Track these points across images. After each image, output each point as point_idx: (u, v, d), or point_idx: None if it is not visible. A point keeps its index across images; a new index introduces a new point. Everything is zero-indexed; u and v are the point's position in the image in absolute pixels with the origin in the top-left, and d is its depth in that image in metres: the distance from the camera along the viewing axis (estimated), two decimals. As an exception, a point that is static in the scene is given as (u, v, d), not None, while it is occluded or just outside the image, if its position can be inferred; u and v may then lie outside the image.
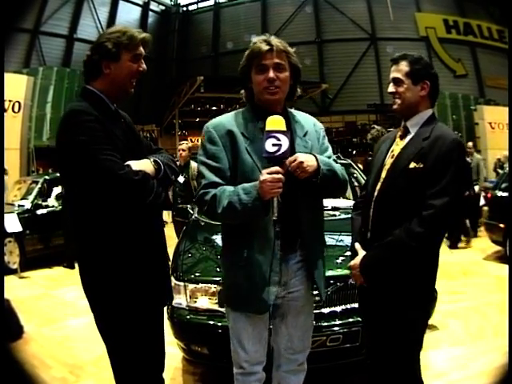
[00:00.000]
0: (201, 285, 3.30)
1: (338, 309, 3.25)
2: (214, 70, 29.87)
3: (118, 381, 2.28)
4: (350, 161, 6.11)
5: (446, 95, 23.49)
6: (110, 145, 2.08)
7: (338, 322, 3.20)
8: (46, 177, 9.21)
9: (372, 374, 2.57)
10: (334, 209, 4.52)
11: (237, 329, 2.36)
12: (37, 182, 9.14)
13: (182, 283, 3.37)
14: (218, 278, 3.16)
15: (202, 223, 4.15)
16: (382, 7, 27.03)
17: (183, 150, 6.58)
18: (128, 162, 2.12)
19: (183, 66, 31.49)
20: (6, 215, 7.58)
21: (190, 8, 33.13)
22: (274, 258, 2.23)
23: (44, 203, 8.68)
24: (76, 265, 5.94)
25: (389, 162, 2.45)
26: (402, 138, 2.47)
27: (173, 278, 3.42)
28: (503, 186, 8.19)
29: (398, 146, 2.45)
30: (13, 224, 7.56)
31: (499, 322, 4.62)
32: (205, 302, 3.27)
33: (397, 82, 2.40)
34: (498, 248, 8.00)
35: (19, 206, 8.51)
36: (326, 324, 3.19)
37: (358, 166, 6.42)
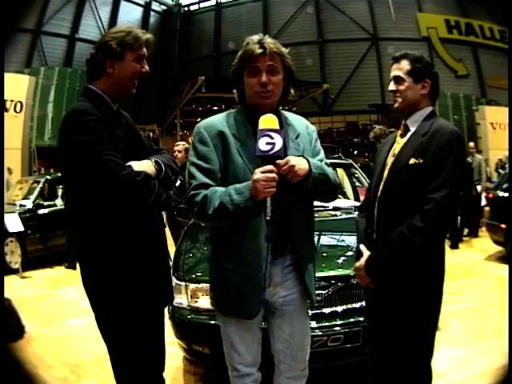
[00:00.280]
0: (202, 284, 3.29)
1: (339, 309, 3.25)
2: (215, 70, 29.86)
3: (119, 381, 2.29)
4: (351, 161, 6.10)
5: (448, 95, 23.46)
6: (112, 145, 2.09)
7: (339, 322, 3.20)
8: (48, 177, 9.22)
9: (377, 375, 2.56)
10: (335, 209, 4.52)
11: (228, 332, 2.33)
12: (38, 182, 9.15)
13: (183, 283, 3.37)
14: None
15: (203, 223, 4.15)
16: (383, 7, 27.02)
17: (179, 152, 6.39)
18: (129, 163, 2.12)
19: (185, 66, 31.48)
20: (7, 215, 7.60)
21: (192, 8, 33.11)
22: (264, 261, 2.18)
23: (48, 203, 8.70)
24: (77, 265, 5.97)
25: (390, 160, 2.45)
26: (403, 136, 2.47)
27: (174, 278, 3.42)
28: (504, 186, 8.18)
29: (399, 144, 2.46)
30: (14, 224, 7.57)
31: (500, 322, 4.61)
32: (206, 302, 3.26)
33: (398, 80, 2.40)
34: (500, 248, 7.99)
35: (21, 205, 8.51)
36: (327, 324, 3.19)
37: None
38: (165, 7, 32.15)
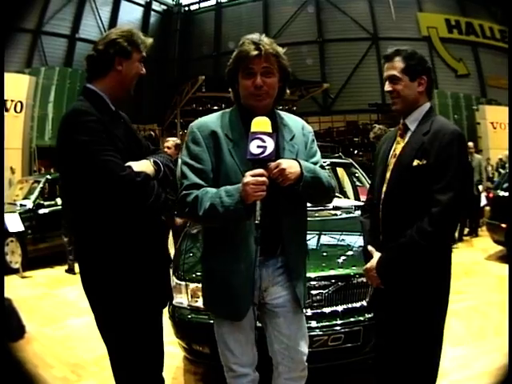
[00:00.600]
0: (202, 284, 3.29)
1: (340, 308, 3.24)
2: (215, 70, 29.83)
3: (118, 381, 2.29)
4: (351, 160, 6.10)
5: (448, 95, 23.47)
6: (111, 145, 2.08)
7: (339, 322, 3.20)
8: (48, 176, 9.23)
9: (378, 374, 2.56)
10: (336, 208, 4.52)
11: (222, 333, 2.32)
12: (39, 182, 9.17)
13: (183, 282, 3.37)
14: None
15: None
16: (383, 7, 27.03)
17: (169, 148, 6.18)
18: (129, 163, 2.11)
19: (185, 65, 31.49)
20: (8, 215, 7.60)
21: (192, 8, 33.14)
22: (253, 264, 2.16)
23: (48, 202, 8.70)
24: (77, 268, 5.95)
25: (392, 161, 2.43)
26: (402, 136, 2.44)
27: (174, 278, 3.43)
28: (505, 185, 8.18)
29: (400, 144, 2.43)
30: (15, 224, 7.58)
31: (500, 321, 4.60)
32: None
33: (393, 79, 2.35)
34: (500, 248, 8.00)
35: (21, 205, 8.52)
36: (327, 324, 3.18)
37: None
38: (165, 7, 32.16)
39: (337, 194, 5.43)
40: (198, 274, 3.39)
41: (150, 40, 2.29)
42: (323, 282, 3.23)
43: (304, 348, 2.38)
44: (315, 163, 2.31)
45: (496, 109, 21.10)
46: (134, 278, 2.16)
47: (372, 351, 2.84)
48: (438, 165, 2.22)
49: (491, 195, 8.71)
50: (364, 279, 2.95)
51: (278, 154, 2.15)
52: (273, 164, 2.05)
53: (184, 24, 32.25)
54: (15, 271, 7.76)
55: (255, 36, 2.18)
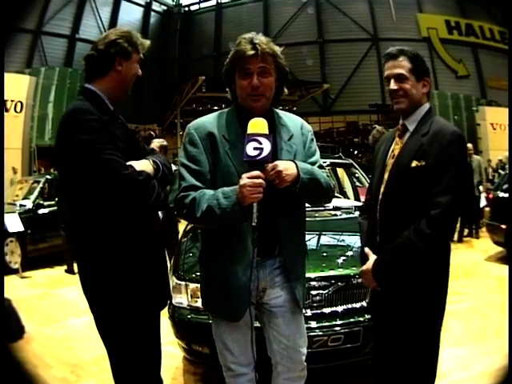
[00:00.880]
0: (202, 284, 3.29)
1: (340, 309, 3.24)
2: (215, 70, 29.82)
3: (118, 381, 2.28)
4: (351, 161, 6.10)
5: (448, 96, 23.49)
6: (113, 145, 2.09)
7: (339, 322, 3.19)
8: (48, 176, 9.22)
9: (377, 375, 2.55)
10: (336, 208, 4.52)
11: (220, 333, 2.33)
12: (38, 182, 9.16)
13: (183, 282, 3.37)
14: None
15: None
16: (383, 8, 27.08)
17: None
18: (130, 162, 2.12)
19: (185, 65, 31.53)
20: (7, 215, 7.59)
21: (192, 8, 33.18)
22: (250, 265, 2.14)
23: (48, 202, 8.67)
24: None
25: (390, 162, 2.40)
26: (401, 136, 2.41)
27: (174, 278, 3.43)
28: (505, 186, 8.18)
29: (398, 145, 2.40)
30: (14, 224, 7.57)
31: (500, 322, 4.60)
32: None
33: (401, 78, 2.30)
34: (500, 249, 8.00)
35: (21, 205, 8.51)
36: (327, 324, 3.18)
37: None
38: (165, 7, 32.20)
39: (337, 195, 5.43)
40: (198, 274, 3.37)
41: (147, 42, 2.29)
42: (323, 283, 3.23)
43: (303, 348, 2.38)
44: (314, 163, 2.31)
45: (496, 110, 21.14)
46: (132, 278, 2.15)
47: (372, 352, 2.84)
48: (438, 166, 2.20)
49: (491, 196, 8.71)
50: (364, 280, 2.94)
51: (275, 154, 2.14)
52: (269, 166, 2.04)
53: (184, 24, 32.29)
54: (15, 271, 7.75)
55: (252, 35, 2.16)
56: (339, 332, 3.17)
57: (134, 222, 2.16)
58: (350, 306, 3.25)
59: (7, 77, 10.48)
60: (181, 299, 3.36)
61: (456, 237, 9.80)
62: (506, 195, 7.90)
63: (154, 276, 2.26)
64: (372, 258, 2.39)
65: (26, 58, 23.55)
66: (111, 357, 2.27)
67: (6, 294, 4.35)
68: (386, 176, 2.40)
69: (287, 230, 2.25)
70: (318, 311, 3.21)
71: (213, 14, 31.99)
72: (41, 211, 8.54)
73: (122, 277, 2.14)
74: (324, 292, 3.22)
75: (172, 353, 3.95)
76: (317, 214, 4.27)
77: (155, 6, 31.18)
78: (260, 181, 1.97)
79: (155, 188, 2.14)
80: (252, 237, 2.10)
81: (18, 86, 14.86)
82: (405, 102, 2.33)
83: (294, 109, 21.58)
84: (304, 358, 2.38)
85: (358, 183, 5.89)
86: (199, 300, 3.25)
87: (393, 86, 2.32)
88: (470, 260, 8.03)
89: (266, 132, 2.03)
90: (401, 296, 2.32)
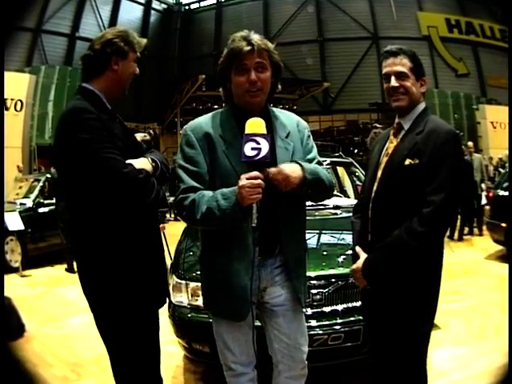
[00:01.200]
0: (202, 283, 3.29)
1: (340, 307, 3.25)
2: (215, 69, 29.71)
3: (118, 379, 2.29)
4: (351, 159, 6.10)
5: (448, 94, 23.49)
6: (112, 143, 2.09)
7: (339, 321, 3.20)
8: (48, 175, 9.20)
9: (374, 375, 2.55)
10: (336, 207, 4.52)
11: (221, 332, 2.33)
12: (39, 181, 9.17)
13: (183, 281, 3.37)
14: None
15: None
16: (383, 6, 27.03)
17: None
18: (129, 161, 2.12)
19: (185, 64, 31.45)
20: (7, 214, 7.60)
21: (192, 7, 33.09)
22: (251, 264, 2.13)
23: (48, 201, 8.67)
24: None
25: (384, 160, 2.39)
26: (396, 135, 2.40)
27: (174, 277, 3.43)
28: (505, 185, 8.18)
29: (393, 143, 2.39)
30: (14, 222, 7.58)
31: (500, 321, 4.61)
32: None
33: (402, 76, 2.29)
34: (500, 247, 8.00)
35: (21, 204, 8.52)
36: (327, 323, 3.18)
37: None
38: (165, 6, 32.12)
39: (337, 193, 5.43)
40: (198, 272, 3.37)
41: (144, 40, 2.30)
42: (323, 281, 3.24)
43: (304, 346, 2.38)
44: (312, 159, 2.31)
45: (496, 108, 21.14)
46: (131, 276, 2.16)
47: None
48: (432, 165, 2.18)
49: (491, 195, 8.71)
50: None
51: (273, 152, 2.14)
52: (274, 170, 2.05)
53: (184, 23, 32.21)
54: (15, 270, 7.76)
55: (244, 33, 2.18)
56: (339, 331, 3.18)
57: (133, 221, 2.16)
58: (350, 304, 3.26)
59: (7, 75, 10.49)
60: (181, 298, 3.36)
61: (456, 235, 9.81)
62: (506, 194, 7.89)
63: (152, 274, 2.26)
64: (362, 256, 2.37)
65: (25, 57, 23.49)
66: (111, 355, 2.27)
67: (6, 293, 4.36)
68: (379, 174, 2.39)
69: (288, 229, 2.24)
70: (318, 310, 3.21)
71: (213, 12, 31.93)
72: (41, 210, 8.56)
73: (120, 275, 2.14)
74: (324, 291, 3.23)
75: (172, 351, 3.95)
76: (317, 213, 4.27)
77: (155, 5, 31.11)
78: (259, 181, 1.97)
79: (154, 186, 2.15)
80: (252, 237, 2.10)
81: (18, 84, 14.87)
82: (405, 100, 2.32)
83: (294, 108, 21.56)
84: (305, 356, 2.39)
85: (358, 182, 5.88)
86: (199, 299, 3.26)
87: (394, 83, 2.31)
88: (470, 258, 8.04)
89: (264, 132, 2.02)
90: (390, 295, 2.31)
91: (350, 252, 3.50)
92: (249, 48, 2.11)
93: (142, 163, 2.18)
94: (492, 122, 20.41)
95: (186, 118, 24.49)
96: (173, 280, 3.43)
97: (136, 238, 2.18)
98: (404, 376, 2.35)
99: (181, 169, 2.21)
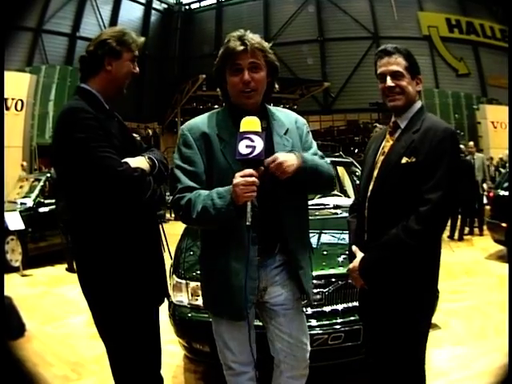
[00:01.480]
0: (202, 283, 3.29)
1: (340, 307, 3.25)
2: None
3: (118, 379, 2.29)
4: (351, 159, 6.10)
5: (449, 94, 23.47)
6: (108, 142, 2.10)
7: (339, 321, 3.20)
8: (49, 175, 9.20)
9: (373, 374, 2.55)
10: (336, 207, 4.52)
11: (220, 331, 2.33)
12: (39, 180, 9.18)
13: (183, 281, 3.37)
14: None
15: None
16: (384, 6, 27.03)
17: None
18: (125, 160, 2.13)
19: (185, 64, 31.45)
20: (8, 213, 7.61)
21: (193, 6, 33.11)
22: (250, 264, 2.13)
23: (49, 201, 8.66)
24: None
25: (380, 159, 2.38)
26: (392, 134, 2.39)
27: (174, 276, 3.43)
28: (505, 185, 8.18)
29: (389, 142, 2.38)
30: (15, 222, 7.59)
31: (501, 321, 4.60)
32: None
33: (397, 75, 2.28)
34: (500, 247, 7.99)
35: (21, 203, 8.52)
36: (327, 322, 3.18)
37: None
38: (166, 5, 32.13)
39: (337, 193, 5.43)
40: (199, 272, 3.38)
41: (141, 39, 2.30)
42: (323, 281, 3.23)
43: (306, 345, 2.39)
44: (314, 154, 2.31)
45: (496, 108, 21.13)
46: (129, 274, 2.16)
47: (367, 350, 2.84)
48: (429, 163, 2.17)
49: (491, 194, 8.71)
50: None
51: (272, 149, 2.15)
52: (269, 159, 2.05)
53: (184, 23, 32.22)
54: (15, 269, 7.77)
55: (240, 32, 2.17)
56: (339, 330, 3.18)
57: (131, 219, 2.16)
58: (350, 304, 3.26)
59: (8, 75, 10.50)
60: (181, 297, 3.36)
61: (456, 235, 9.81)
62: (507, 193, 7.89)
63: (151, 272, 2.26)
64: (359, 255, 2.37)
65: (26, 57, 23.52)
66: (110, 355, 2.27)
67: (7, 292, 4.37)
68: (375, 173, 2.37)
69: (291, 227, 2.25)
70: (319, 309, 3.21)
71: (213, 12, 31.94)
72: (41, 209, 8.57)
73: (119, 274, 2.15)
74: (324, 290, 3.23)
75: (172, 351, 3.95)
76: (317, 213, 4.27)
77: (156, 5, 31.12)
78: (253, 179, 1.97)
79: (150, 184, 2.15)
80: (249, 236, 2.10)
81: (19, 84, 14.87)
82: (402, 99, 2.31)
83: (295, 107, 21.53)
84: (308, 355, 2.40)
85: (358, 182, 5.88)
86: (199, 298, 3.26)
87: (390, 82, 2.29)
88: (471, 258, 8.04)
89: (259, 130, 2.03)
90: (387, 294, 2.30)
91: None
92: (242, 48, 2.11)
93: (139, 162, 2.18)
94: (492, 122, 20.40)
95: (187, 118, 24.46)
96: (173, 279, 3.43)
97: (134, 236, 2.18)
98: (402, 375, 2.35)
99: (178, 169, 2.21)
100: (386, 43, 2.47)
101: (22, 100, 15.01)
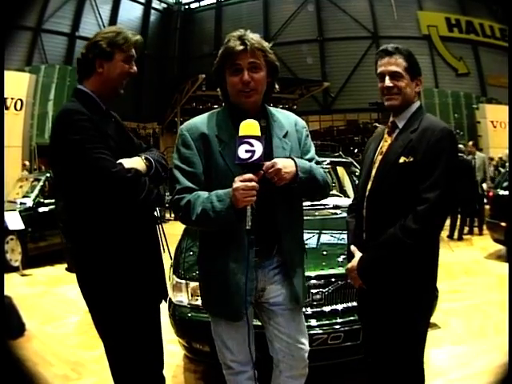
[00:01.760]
0: (202, 282, 3.29)
1: (340, 307, 3.25)
2: (215, 69, 29.82)
3: (116, 379, 2.29)
4: (351, 159, 6.10)
5: (448, 94, 23.46)
6: (103, 143, 2.10)
7: (339, 320, 3.20)
8: (48, 174, 9.20)
9: (372, 374, 2.55)
10: (336, 207, 4.52)
11: (219, 331, 2.34)
12: (39, 180, 9.17)
13: (183, 281, 3.37)
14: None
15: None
16: (383, 5, 27.03)
17: None
18: (120, 160, 2.13)
19: (185, 64, 31.44)
20: (8, 213, 7.60)
21: (192, 6, 33.10)
22: (248, 265, 2.13)
23: (48, 201, 8.64)
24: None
25: (378, 159, 2.39)
26: (390, 133, 2.40)
27: (174, 276, 3.43)
28: (505, 184, 8.18)
29: (387, 142, 2.39)
30: (15, 222, 7.58)
31: (500, 320, 4.61)
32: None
33: (396, 76, 2.29)
34: (500, 247, 8.00)
35: (21, 203, 8.52)
36: (327, 322, 3.19)
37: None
38: (165, 5, 32.12)
39: (337, 193, 5.43)
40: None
41: (136, 37, 2.27)
42: (323, 281, 3.24)
43: (305, 345, 2.39)
44: (310, 159, 2.31)
45: (496, 107, 21.10)
46: (128, 274, 2.17)
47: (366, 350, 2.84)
48: (426, 162, 2.17)
49: (491, 194, 8.71)
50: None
51: (271, 151, 2.15)
52: (268, 163, 2.04)
53: (184, 22, 32.21)
54: (15, 269, 7.76)
55: (240, 32, 2.17)
56: (339, 330, 3.18)
57: (128, 219, 2.16)
58: (349, 304, 3.26)
59: (7, 74, 10.47)
60: (181, 297, 3.37)
61: (456, 235, 9.81)
62: (506, 193, 7.89)
63: (148, 271, 2.27)
64: (357, 255, 2.38)
65: (25, 56, 23.50)
66: (110, 355, 2.28)
67: (7, 292, 4.36)
68: (373, 173, 2.38)
69: (286, 229, 2.25)
70: (318, 309, 3.22)
71: (213, 12, 31.92)
72: (41, 209, 8.56)
73: (116, 273, 2.16)
74: (324, 290, 3.23)
75: (172, 351, 3.95)
76: (317, 213, 4.27)
77: (155, 4, 31.11)
78: (253, 184, 1.97)
79: (146, 184, 2.15)
80: (248, 238, 2.11)
81: (18, 83, 14.84)
82: (398, 99, 2.32)
83: (294, 107, 21.55)
84: (306, 355, 2.40)
85: (358, 182, 5.89)
86: (199, 298, 3.26)
87: (388, 83, 2.30)
88: (470, 258, 8.05)
89: (258, 134, 2.01)
90: (386, 293, 2.30)
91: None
92: (242, 48, 2.11)
93: (134, 162, 2.18)
94: (492, 122, 20.37)
95: (186, 118, 24.42)
96: (173, 280, 3.43)
97: (130, 236, 2.19)
98: (401, 375, 2.35)
99: (177, 169, 2.21)
100: (385, 43, 2.47)
101: (21, 99, 14.99)
